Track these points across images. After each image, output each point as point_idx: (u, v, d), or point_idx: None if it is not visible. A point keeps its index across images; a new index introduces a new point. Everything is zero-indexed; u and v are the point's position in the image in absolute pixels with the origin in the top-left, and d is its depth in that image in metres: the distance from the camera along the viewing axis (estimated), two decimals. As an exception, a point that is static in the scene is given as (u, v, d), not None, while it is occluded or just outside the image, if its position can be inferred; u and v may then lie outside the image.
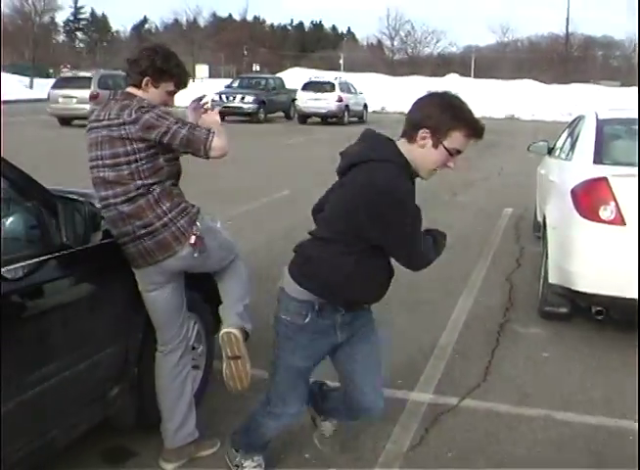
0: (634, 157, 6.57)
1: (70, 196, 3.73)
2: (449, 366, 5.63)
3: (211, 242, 3.95)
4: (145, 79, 3.86)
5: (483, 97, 46.51)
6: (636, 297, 5.71)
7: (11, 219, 3.47)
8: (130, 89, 3.91)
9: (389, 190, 3.12)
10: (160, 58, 3.86)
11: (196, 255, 3.83)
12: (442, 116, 3.22)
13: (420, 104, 3.34)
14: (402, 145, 3.32)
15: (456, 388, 5.24)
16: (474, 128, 3.28)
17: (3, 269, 3.19)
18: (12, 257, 3.31)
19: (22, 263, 3.34)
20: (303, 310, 3.41)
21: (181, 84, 3.98)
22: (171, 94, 3.97)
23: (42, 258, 3.44)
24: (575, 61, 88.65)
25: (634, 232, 5.81)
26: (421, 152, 3.30)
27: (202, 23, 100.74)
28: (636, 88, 51.10)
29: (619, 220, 5.88)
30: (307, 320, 3.41)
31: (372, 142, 3.43)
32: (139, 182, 3.74)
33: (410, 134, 3.31)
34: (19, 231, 3.49)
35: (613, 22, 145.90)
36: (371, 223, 3.17)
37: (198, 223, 3.84)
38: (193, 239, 3.80)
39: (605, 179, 6.03)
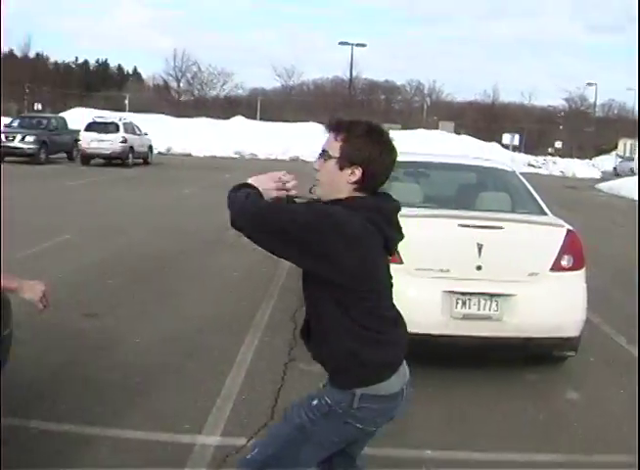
0: (411, 198, 6.90)
1: None
2: (236, 408, 5.65)
3: None
4: None
5: (268, 139, 47.54)
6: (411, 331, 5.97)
7: None
8: None
9: None
10: None
11: None
12: None
13: None
14: None
15: (243, 428, 5.26)
16: None
17: None
18: None
19: None
20: None
21: None
22: None
23: None
24: (359, 104, 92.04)
25: (410, 270, 6.13)
26: None
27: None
28: (416, 131, 53.84)
29: (396, 259, 6.13)
30: None
31: None
32: None
33: None
34: None
35: (394, 68, 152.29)
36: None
37: None
38: None
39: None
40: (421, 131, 56.38)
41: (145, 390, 5.94)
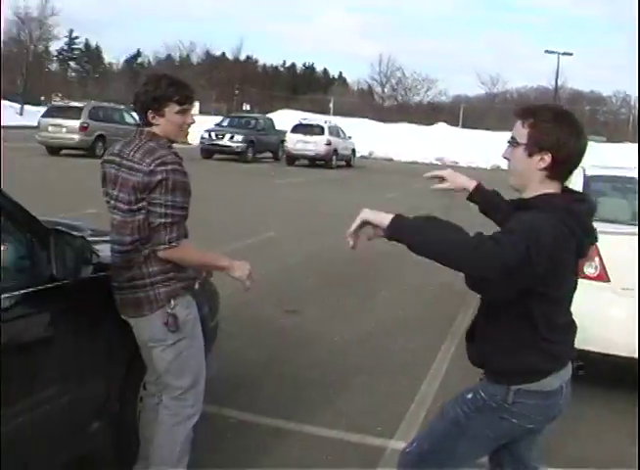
0: (619, 214, 6.66)
1: (62, 228, 3.74)
2: (429, 415, 5.57)
3: (187, 335, 3.82)
4: (149, 114, 3.72)
5: (470, 147, 46.99)
6: (618, 353, 5.77)
7: (1, 249, 3.47)
8: (146, 130, 3.78)
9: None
10: (151, 86, 3.72)
11: (171, 330, 3.72)
12: None
13: None
14: None
15: (435, 437, 5.22)
16: None
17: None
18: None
19: (9, 294, 3.33)
20: None
21: (184, 100, 3.76)
22: (182, 113, 3.76)
23: (30, 290, 3.44)
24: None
25: (617, 288, 5.88)
26: None
27: (194, 59, 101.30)
28: (622, 145, 51.86)
29: (603, 276, 5.93)
30: None
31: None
32: (136, 236, 3.68)
33: None
34: (8, 261, 3.49)
35: (600, 78, 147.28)
36: None
37: (173, 301, 3.72)
38: (166, 315, 3.71)
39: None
40: (627, 145, 54.15)
41: (340, 389, 6.01)
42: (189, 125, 3.86)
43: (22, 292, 3.41)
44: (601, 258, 5.95)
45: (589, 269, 5.97)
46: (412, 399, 5.87)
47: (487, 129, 61.34)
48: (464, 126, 70.45)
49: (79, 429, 3.89)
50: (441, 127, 60.63)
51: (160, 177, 3.56)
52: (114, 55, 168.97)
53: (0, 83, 46.47)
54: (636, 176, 8.16)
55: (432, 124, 63.04)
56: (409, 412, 5.63)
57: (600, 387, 6.13)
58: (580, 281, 6.02)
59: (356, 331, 7.56)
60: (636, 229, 6.49)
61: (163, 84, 3.71)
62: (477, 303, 8.91)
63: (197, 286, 3.96)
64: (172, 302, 3.70)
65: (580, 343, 5.84)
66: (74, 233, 3.69)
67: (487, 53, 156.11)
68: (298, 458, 4.78)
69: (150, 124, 3.75)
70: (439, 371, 6.60)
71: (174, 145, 3.83)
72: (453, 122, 71.32)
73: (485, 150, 45.91)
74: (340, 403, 5.72)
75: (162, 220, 3.59)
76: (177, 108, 3.73)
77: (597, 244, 5.74)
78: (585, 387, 6.28)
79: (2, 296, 3.26)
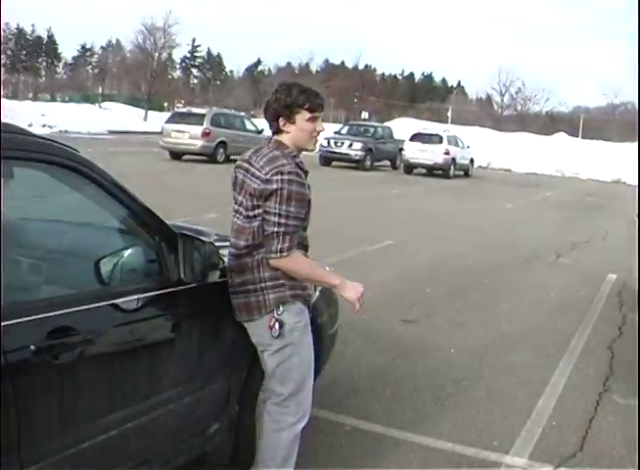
0: None
1: (190, 233, 3.85)
2: (545, 432, 5.53)
3: (294, 342, 3.82)
4: (280, 121, 3.79)
5: (591, 158, 45.97)
6: None
7: (130, 251, 3.58)
8: (275, 138, 3.86)
9: None
10: (282, 94, 3.79)
11: (274, 335, 3.75)
12: None
13: None
14: None
15: (551, 455, 5.13)
16: None
17: (120, 300, 3.31)
18: (129, 288, 3.43)
19: (139, 296, 3.43)
20: None
21: (315, 107, 3.81)
22: (312, 120, 3.82)
23: (159, 292, 3.55)
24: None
25: None
26: None
27: (314, 68, 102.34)
28: None
29: None
30: None
31: None
32: (250, 242, 3.76)
33: None
34: (137, 263, 3.60)
35: None
36: None
37: (281, 307, 3.75)
38: (272, 320, 3.76)
39: None
40: None
41: (455, 400, 5.98)
42: (319, 133, 3.91)
43: (151, 294, 3.52)
44: None
45: None
46: (528, 416, 5.79)
47: (608, 140, 59.97)
48: (584, 137, 69.07)
49: (200, 430, 3.99)
50: (561, 137, 59.62)
51: (275, 186, 3.63)
52: (235, 63, 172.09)
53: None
54: None
55: (551, 134, 61.99)
56: (525, 428, 5.55)
57: None
58: None
59: (474, 343, 7.51)
60: None
61: (295, 92, 3.77)
62: (596, 320, 8.74)
63: (314, 298, 4.03)
64: (281, 308, 3.75)
65: None
66: (203, 238, 3.79)
67: (609, 62, 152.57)
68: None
69: (280, 132, 3.83)
70: (557, 387, 6.48)
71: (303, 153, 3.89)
72: (573, 133, 69.99)
73: (606, 162, 44.91)
74: (455, 416, 5.69)
75: (275, 229, 3.64)
76: (308, 115, 3.79)
77: None
78: None
79: (131, 297, 3.38)
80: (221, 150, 28.63)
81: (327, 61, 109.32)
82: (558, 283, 10.95)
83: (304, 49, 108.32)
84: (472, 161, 36.37)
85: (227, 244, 4.56)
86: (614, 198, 28.34)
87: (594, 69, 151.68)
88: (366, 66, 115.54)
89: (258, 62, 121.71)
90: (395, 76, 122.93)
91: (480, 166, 40.88)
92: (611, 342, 7.98)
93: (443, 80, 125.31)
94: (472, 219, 17.85)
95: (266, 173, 3.66)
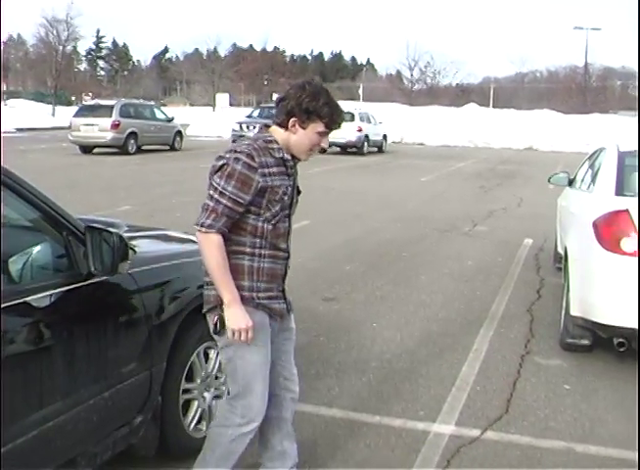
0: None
1: (99, 225, 3.77)
2: (471, 398, 5.61)
3: (237, 344, 3.61)
4: (291, 120, 3.58)
5: (502, 127, 46.62)
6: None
7: (39, 248, 3.52)
8: (275, 127, 3.66)
9: None
10: (307, 96, 3.55)
11: (214, 332, 3.64)
12: None
13: None
14: None
15: (478, 420, 5.22)
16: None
17: (31, 298, 3.24)
18: (40, 285, 3.36)
19: (50, 292, 3.37)
20: None
21: (333, 124, 3.63)
22: (322, 135, 3.64)
23: (70, 288, 3.48)
24: (594, 91, 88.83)
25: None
26: None
27: (222, 52, 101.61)
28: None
29: (642, 252, 5.87)
30: None
31: None
32: None
33: None
34: (46, 260, 3.54)
35: (631, 52, 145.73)
36: None
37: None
38: (215, 317, 3.61)
39: (627, 211, 6.04)
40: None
41: (380, 374, 6.03)
42: (319, 149, 3.74)
43: (62, 290, 3.44)
44: (638, 233, 5.90)
45: (627, 245, 5.92)
46: (453, 383, 5.87)
47: (518, 109, 60.93)
48: (494, 107, 70.06)
49: (124, 423, 3.93)
50: (472, 108, 60.28)
51: (222, 162, 3.50)
52: (142, 52, 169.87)
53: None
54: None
55: (462, 106, 62.71)
56: (450, 395, 5.63)
57: None
58: (618, 257, 6.04)
59: (395, 316, 7.57)
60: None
61: (321, 101, 3.56)
62: (514, 285, 8.89)
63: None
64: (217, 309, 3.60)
65: (625, 320, 5.88)
66: (111, 229, 3.71)
67: (516, 32, 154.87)
68: (341, 445, 4.80)
69: (285, 128, 3.63)
70: (479, 353, 6.59)
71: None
72: (484, 103, 70.98)
73: (517, 130, 45.59)
74: (381, 389, 5.73)
75: (206, 202, 3.49)
76: (322, 129, 3.61)
77: (634, 218, 5.73)
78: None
79: (42, 294, 3.31)
80: (132, 141, 28.34)
81: (235, 45, 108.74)
82: (475, 251, 11.10)
83: (211, 34, 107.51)
84: (385, 137, 36.51)
85: (141, 234, 4.50)
86: (526, 165, 28.82)
87: (501, 38, 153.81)
88: (275, 48, 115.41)
89: (165, 50, 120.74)
90: (305, 57, 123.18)
91: (393, 142, 41.12)
92: (530, 305, 8.12)
93: (353, 58, 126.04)
94: (387, 195, 17.96)
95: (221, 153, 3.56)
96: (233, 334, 3.52)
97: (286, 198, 3.66)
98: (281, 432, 3.97)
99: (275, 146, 3.60)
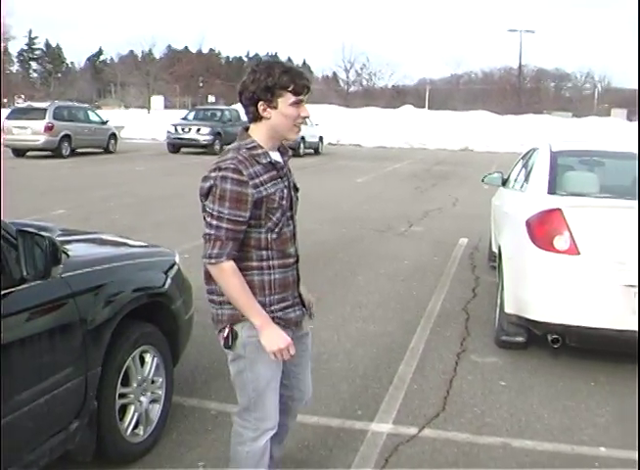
0: (587, 187, 6.75)
1: (32, 229, 3.70)
2: (408, 397, 5.65)
3: (247, 356, 3.51)
4: (260, 106, 3.37)
5: (438, 128, 47.01)
6: (590, 325, 5.86)
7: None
8: (252, 126, 3.47)
9: None
10: (261, 75, 3.34)
11: (226, 345, 3.49)
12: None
13: None
14: None
15: (415, 418, 5.26)
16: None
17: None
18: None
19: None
20: None
21: (300, 89, 3.39)
22: (297, 104, 3.40)
23: (2, 292, 3.42)
24: (528, 92, 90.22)
25: (588, 261, 5.93)
26: None
27: (157, 54, 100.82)
28: (587, 119, 52.19)
29: (574, 250, 5.97)
30: None
31: None
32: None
33: None
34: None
35: (564, 55, 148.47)
36: None
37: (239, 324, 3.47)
38: (226, 330, 3.47)
39: (559, 210, 6.14)
40: (592, 119, 54.45)
41: (317, 374, 5.99)
42: (303, 119, 3.51)
43: (-7, 295, 3.38)
44: (571, 232, 6.00)
45: (559, 243, 6.02)
46: (390, 382, 5.91)
47: (454, 110, 61.51)
48: (430, 108, 70.64)
49: (60, 429, 3.88)
50: (408, 110, 60.59)
51: (209, 184, 3.32)
52: (76, 54, 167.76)
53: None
54: (603, 150, 8.26)
55: (398, 108, 63.05)
56: (388, 394, 5.66)
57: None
58: (551, 255, 6.15)
59: (332, 317, 7.57)
60: (604, 202, 6.58)
61: (277, 72, 3.34)
62: (450, 283, 8.98)
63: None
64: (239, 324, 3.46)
65: (558, 317, 5.99)
66: (43, 233, 3.66)
67: (451, 34, 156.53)
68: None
69: (259, 119, 3.42)
70: (416, 352, 6.63)
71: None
72: (419, 105, 71.50)
73: (454, 131, 46.00)
74: (319, 389, 5.70)
75: (207, 231, 3.34)
76: (292, 99, 3.38)
77: (566, 217, 5.84)
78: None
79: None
80: (66, 144, 27.96)
81: (170, 46, 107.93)
82: (411, 251, 11.18)
83: (146, 36, 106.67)
84: (321, 138, 36.50)
85: (76, 238, 4.43)
86: (461, 166, 29.09)
87: (436, 40, 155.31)
88: (210, 49, 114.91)
89: (100, 51, 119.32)
90: (241, 58, 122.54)
91: (330, 144, 41.20)
92: (465, 303, 8.21)
93: (289, 60, 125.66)
94: (323, 196, 17.97)
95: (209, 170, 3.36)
96: (275, 355, 3.41)
97: (284, 202, 3.54)
98: (278, 437, 3.88)
99: (260, 151, 3.41)
